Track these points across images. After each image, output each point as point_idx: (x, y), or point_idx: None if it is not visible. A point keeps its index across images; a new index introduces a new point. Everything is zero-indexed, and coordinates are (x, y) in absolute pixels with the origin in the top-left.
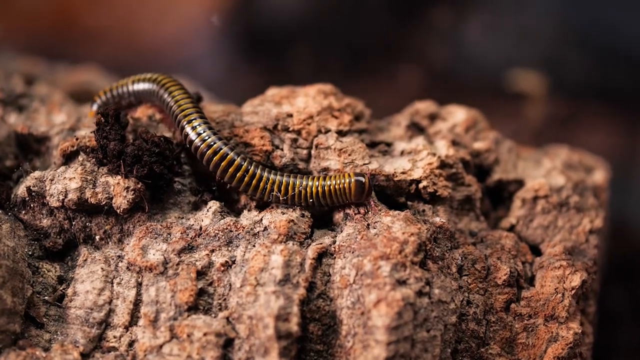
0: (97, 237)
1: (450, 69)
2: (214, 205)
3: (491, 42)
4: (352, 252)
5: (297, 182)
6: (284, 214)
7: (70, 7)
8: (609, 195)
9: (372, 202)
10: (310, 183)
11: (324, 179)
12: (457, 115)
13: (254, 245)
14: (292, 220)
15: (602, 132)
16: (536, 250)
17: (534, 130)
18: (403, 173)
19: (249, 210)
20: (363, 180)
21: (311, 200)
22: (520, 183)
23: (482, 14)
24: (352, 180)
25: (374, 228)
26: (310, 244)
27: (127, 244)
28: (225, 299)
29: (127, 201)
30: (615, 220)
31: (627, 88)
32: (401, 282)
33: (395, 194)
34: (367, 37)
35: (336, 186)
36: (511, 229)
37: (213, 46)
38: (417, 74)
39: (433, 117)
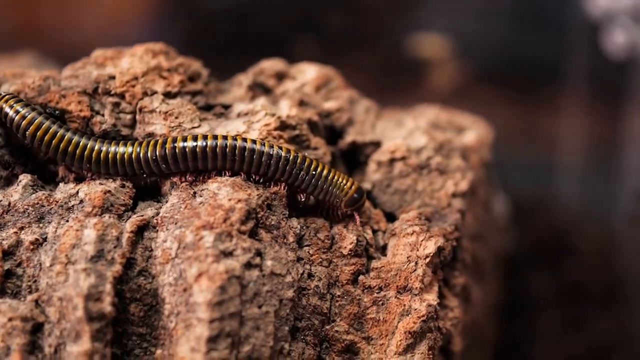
0: None
1: (349, 36)
2: (24, 178)
3: (392, 6)
4: (175, 224)
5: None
6: (101, 184)
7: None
8: (485, 156)
9: (357, 217)
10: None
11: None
12: (308, 73)
13: (67, 221)
14: (109, 191)
15: (522, 105)
16: (394, 218)
17: (441, 96)
18: None
19: (65, 183)
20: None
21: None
22: (378, 145)
23: None
24: (355, 185)
25: (200, 196)
26: (130, 217)
27: None
28: (35, 281)
29: None
30: (540, 199)
31: (544, 57)
32: (226, 254)
33: None
34: (259, 8)
35: (338, 179)
36: (367, 195)
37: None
38: (315, 43)
39: (281, 77)
